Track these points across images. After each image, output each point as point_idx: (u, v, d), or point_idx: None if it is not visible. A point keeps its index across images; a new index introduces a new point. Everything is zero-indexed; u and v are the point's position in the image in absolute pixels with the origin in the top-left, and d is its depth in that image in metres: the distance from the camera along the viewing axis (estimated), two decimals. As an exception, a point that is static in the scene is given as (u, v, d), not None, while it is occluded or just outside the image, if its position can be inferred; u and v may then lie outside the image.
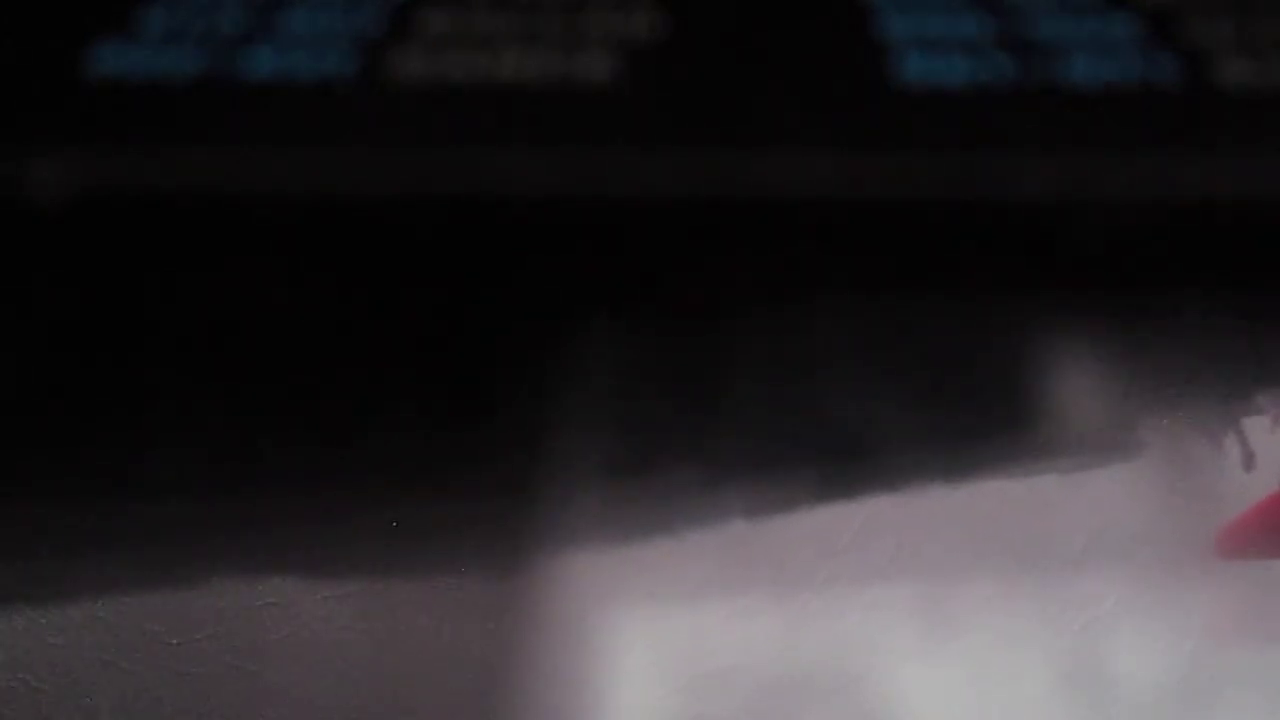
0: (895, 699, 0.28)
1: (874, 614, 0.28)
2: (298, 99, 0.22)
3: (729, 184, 0.21)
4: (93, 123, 0.21)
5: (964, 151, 0.21)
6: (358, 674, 0.27)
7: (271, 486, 0.27)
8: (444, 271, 0.24)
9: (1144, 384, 0.27)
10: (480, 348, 0.25)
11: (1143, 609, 0.29)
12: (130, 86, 0.22)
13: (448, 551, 0.27)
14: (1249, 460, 0.29)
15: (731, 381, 0.26)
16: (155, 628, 0.27)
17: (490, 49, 0.22)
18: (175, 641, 0.27)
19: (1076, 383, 0.27)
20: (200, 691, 0.27)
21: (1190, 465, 0.29)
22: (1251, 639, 0.29)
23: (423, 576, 0.28)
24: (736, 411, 0.27)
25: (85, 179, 0.21)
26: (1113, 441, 0.28)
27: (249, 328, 0.24)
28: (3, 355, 0.24)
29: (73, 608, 0.27)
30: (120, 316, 0.24)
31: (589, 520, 0.27)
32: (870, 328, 0.25)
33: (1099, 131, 0.21)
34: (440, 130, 0.21)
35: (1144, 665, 0.29)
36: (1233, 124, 0.21)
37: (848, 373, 0.26)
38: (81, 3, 0.23)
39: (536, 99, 0.22)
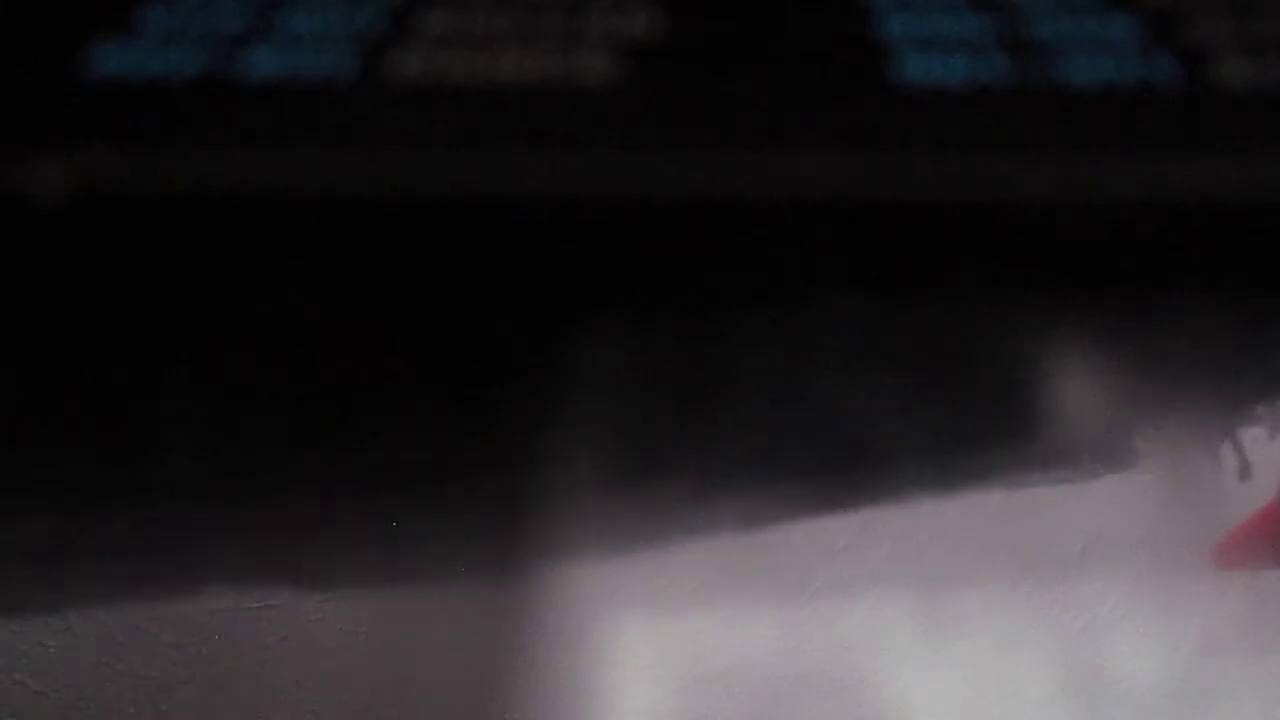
0: (894, 702, 0.28)
1: (873, 617, 0.28)
2: (298, 99, 0.22)
3: (728, 184, 0.21)
4: (93, 123, 0.21)
5: (964, 151, 0.21)
6: (357, 678, 0.27)
7: (271, 490, 0.27)
8: (443, 273, 0.24)
9: (1143, 389, 0.27)
10: (479, 351, 0.25)
11: (1140, 614, 0.29)
12: (130, 86, 0.22)
13: (447, 556, 0.27)
14: (1246, 468, 0.29)
15: (730, 386, 0.26)
16: (155, 630, 0.27)
17: (489, 49, 0.22)
18: (174, 644, 0.27)
19: (1076, 388, 0.27)
20: (200, 694, 0.27)
21: (1188, 472, 0.29)
22: (1248, 645, 0.29)
23: (422, 581, 0.28)
24: (735, 416, 0.27)
25: (85, 179, 0.21)
26: (1111, 447, 0.28)
27: (248, 330, 0.24)
28: (1, 356, 0.24)
29: (72, 609, 0.27)
30: (119, 318, 0.24)
31: (589, 524, 0.27)
32: (869, 330, 0.25)
33: (1099, 131, 0.21)
34: (440, 130, 0.21)
35: (1141, 670, 0.29)
36: (1233, 124, 0.21)
37: (846, 377, 0.26)
38: (81, 3, 0.23)
39: (536, 99, 0.22)
